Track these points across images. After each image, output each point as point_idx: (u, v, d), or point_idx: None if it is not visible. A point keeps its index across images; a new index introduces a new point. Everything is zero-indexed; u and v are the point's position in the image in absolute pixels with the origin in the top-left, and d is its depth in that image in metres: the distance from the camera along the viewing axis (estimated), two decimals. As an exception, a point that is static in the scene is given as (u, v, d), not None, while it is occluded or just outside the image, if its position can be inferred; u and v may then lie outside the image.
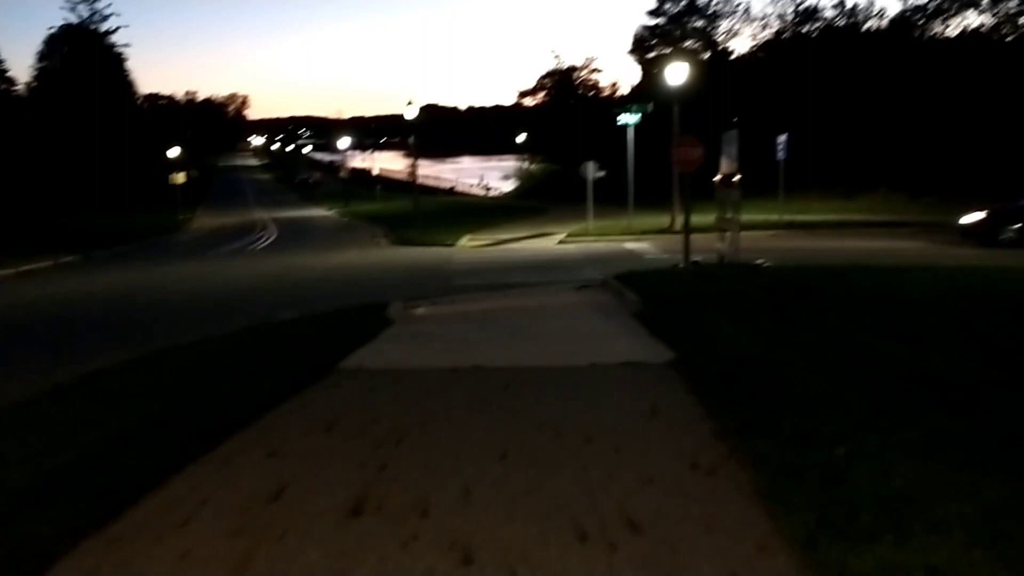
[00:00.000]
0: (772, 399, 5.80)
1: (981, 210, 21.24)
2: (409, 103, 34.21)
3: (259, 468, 4.92)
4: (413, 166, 39.62)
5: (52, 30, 71.61)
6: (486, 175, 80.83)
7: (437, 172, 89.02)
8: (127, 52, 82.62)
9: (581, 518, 4.03)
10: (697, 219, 18.78)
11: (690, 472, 4.63)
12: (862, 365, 6.68)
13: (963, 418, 5.06)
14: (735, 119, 18.55)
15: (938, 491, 3.99)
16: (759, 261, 15.28)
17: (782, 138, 28.58)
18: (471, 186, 77.94)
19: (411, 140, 41.07)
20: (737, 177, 15.70)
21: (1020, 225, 20.20)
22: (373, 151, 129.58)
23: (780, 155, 28.69)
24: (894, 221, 26.74)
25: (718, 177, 16.25)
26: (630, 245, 24.23)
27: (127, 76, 77.05)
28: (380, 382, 7.11)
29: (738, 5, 59.35)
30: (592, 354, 7.82)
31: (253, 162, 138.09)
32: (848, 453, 4.61)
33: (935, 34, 47.74)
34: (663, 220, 28.36)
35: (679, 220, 25.49)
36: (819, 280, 11.80)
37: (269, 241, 34.81)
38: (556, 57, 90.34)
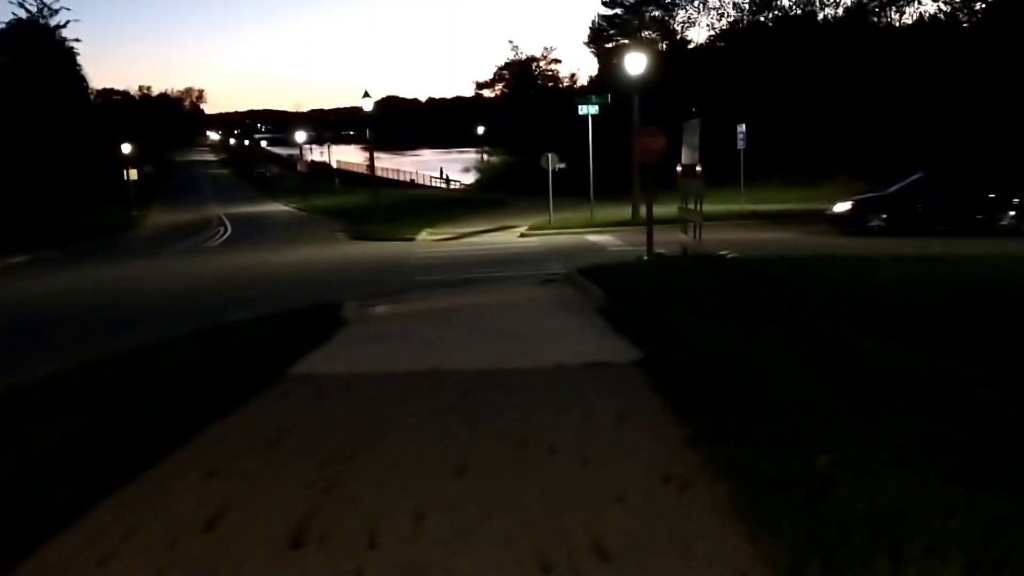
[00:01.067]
0: (747, 401, 5.48)
1: (847, 199, 21.96)
2: (365, 94, 33.62)
3: (194, 492, 4.49)
4: (370, 159, 39.01)
5: (1, 26, 69.89)
6: (447, 167, 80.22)
7: (397, 165, 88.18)
8: (79, 47, 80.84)
9: (545, 544, 3.66)
10: (660, 210, 18.50)
11: (662, 486, 4.28)
12: (841, 363, 6.38)
13: (953, 422, 4.76)
14: (694, 109, 18.28)
15: (933, 506, 3.66)
16: (723, 252, 15.03)
17: (742, 128, 28.46)
18: (432, 179, 77.28)
19: (368, 133, 40.46)
20: (699, 167, 15.43)
21: (886, 214, 20.80)
22: (332, 144, 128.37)
23: (740, 145, 28.57)
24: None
25: (680, 167, 15.98)
26: (593, 237, 23.95)
27: (79, 71, 75.43)
28: (331, 389, 6.69)
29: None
30: (556, 354, 7.47)
31: (210, 157, 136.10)
32: (832, 462, 4.29)
33: (891, 21, 48.00)
34: (625, 212, 28.08)
35: (641, 211, 25.24)
36: (788, 271, 11.53)
37: (224, 238, 34.11)
38: (514, 48, 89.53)
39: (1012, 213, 20.50)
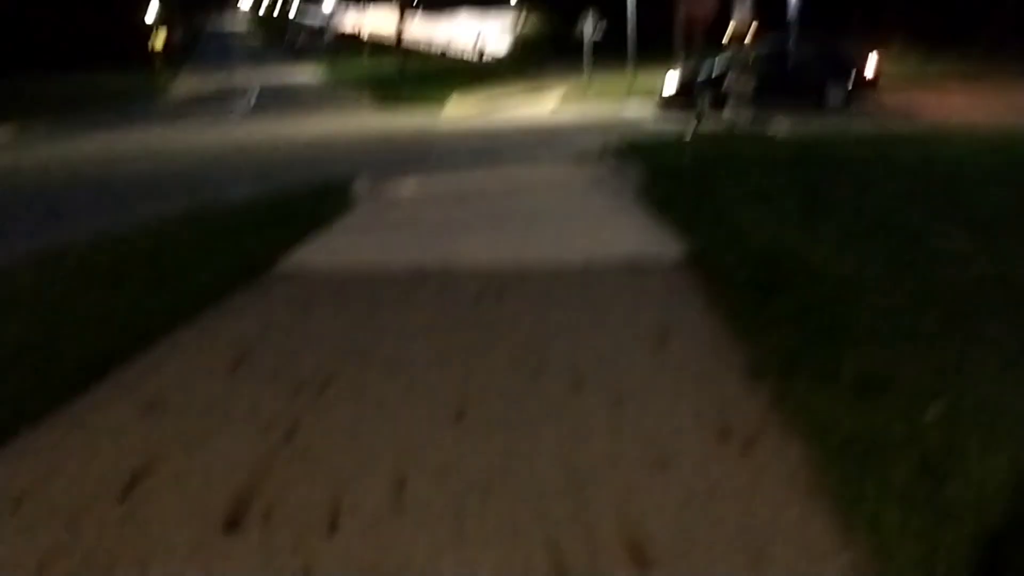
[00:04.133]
0: (821, 318, 4.42)
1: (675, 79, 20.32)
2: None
3: (124, 435, 3.55)
4: (400, 25, 37.17)
5: None
6: (481, 33, 77.32)
7: (430, 31, 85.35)
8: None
9: (561, 535, 2.68)
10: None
11: (718, 445, 3.27)
12: (928, 266, 5.27)
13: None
14: None
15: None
16: (772, 130, 13.69)
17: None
18: (464, 45, 74.50)
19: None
20: (751, 32, 13.94)
21: (711, 92, 18.80)
22: (364, 9, 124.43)
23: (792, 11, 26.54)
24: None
25: (729, 32, 14.49)
26: (631, 111, 22.44)
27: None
28: (320, 290, 5.69)
29: None
30: (587, 248, 6.41)
31: (241, 25, 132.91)
32: (945, 416, 3.25)
33: None
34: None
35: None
36: (848, 152, 10.28)
37: (248, 106, 32.83)
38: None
39: (841, 89, 19.06)
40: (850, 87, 19.13)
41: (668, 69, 21.87)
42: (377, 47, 71.33)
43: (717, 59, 19.44)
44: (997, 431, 3.08)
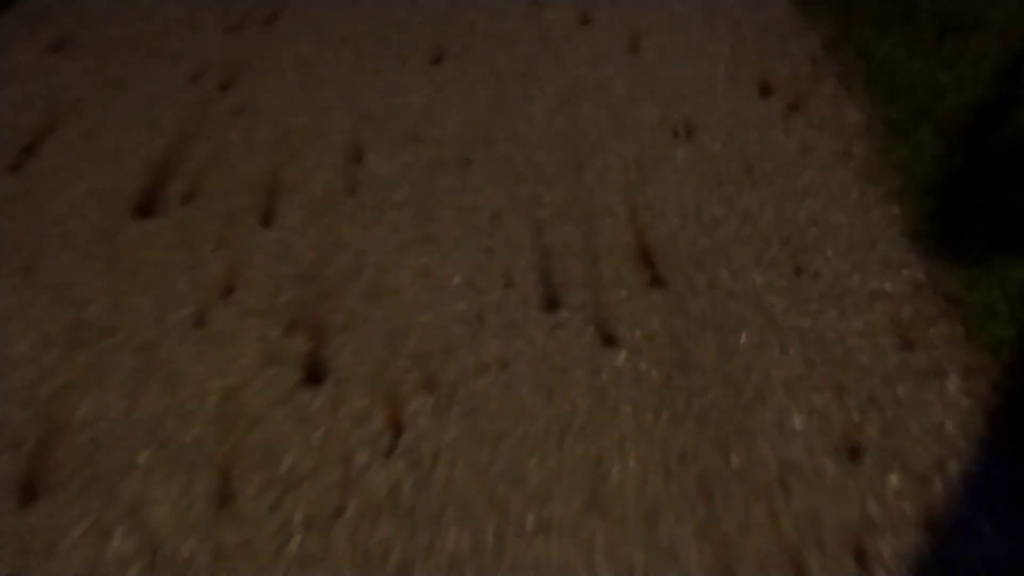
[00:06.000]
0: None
1: None
2: None
3: (27, 81, 2.86)
4: None
5: None
6: None
7: None
8: None
9: (553, 239, 2.14)
10: None
11: (758, 104, 2.61)
12: None
13: None
14: None
15: None
16: None
17: None
18: None
19: None
20: None
21: None
22: None
23: None
24: None
25: None
26: None
27: None
28: None
29: None
30: None
31: None
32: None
33: None
34: None
35: None
36: None
37: None
38: None
39: None
40: None
41: None
42: None
43: None
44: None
